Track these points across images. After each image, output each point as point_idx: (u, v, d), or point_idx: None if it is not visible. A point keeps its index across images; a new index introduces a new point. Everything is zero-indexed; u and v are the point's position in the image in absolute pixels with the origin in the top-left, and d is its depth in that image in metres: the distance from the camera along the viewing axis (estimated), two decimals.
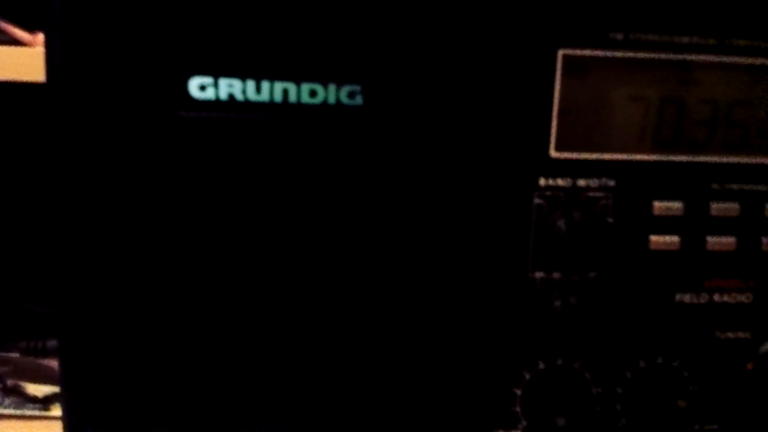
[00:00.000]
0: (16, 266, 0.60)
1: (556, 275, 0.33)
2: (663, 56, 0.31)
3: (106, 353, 0.31)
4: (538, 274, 0.33)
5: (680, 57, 0.31)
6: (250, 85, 0.29)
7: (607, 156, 0.32)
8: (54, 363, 0.48)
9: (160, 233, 0.30)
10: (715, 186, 0.33)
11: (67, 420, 0.31)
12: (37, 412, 0.48)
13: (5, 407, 0.47)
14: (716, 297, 0.34)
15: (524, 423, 0.34)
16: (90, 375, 0.31)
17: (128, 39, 0.28)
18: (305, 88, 0.29)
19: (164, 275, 0.30)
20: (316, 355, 0.32)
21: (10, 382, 0.50)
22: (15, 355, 0.51)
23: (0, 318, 0.56)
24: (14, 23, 0.50)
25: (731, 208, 0.33)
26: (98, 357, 0.31)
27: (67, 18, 0.28)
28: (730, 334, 0.34)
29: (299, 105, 0.30)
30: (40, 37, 0.47)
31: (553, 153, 0.31)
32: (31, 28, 0.50)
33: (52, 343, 0.46)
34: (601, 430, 0.34)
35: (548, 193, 0.32)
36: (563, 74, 0.31)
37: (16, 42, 0.49)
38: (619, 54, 0.31)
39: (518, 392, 0.33)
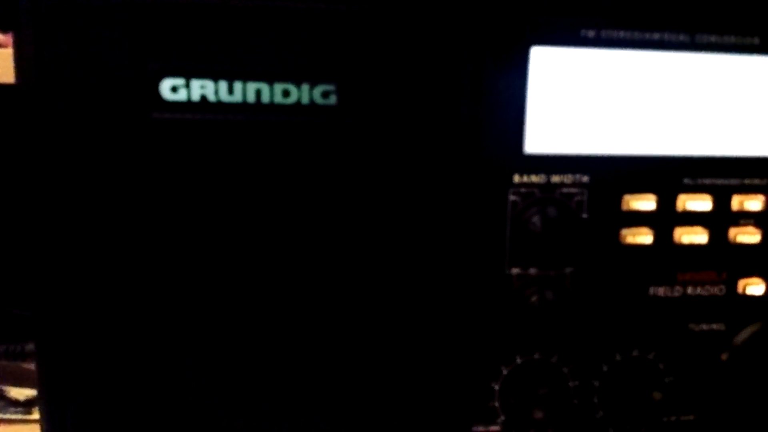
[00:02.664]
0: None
1: (532, 271, 0.33)
2: (635, 52, 0.31)
3: (83, 358, 0.31)
4: (515, 270, 0.33)
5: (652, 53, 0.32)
6: (223, 85, 0.29)
7: (580, 152, 0.32)
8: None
9: (135, 235, 0.30)
10: (687, 180, 0.33)
11: (47, 426, 0.31)
12: (18, 416, 0.48)
13: None
14: (689, 290, 0.34)
15: (503, 417, 0.34)
16: (68, 381, 0.31)
17: (99, 40, 0.28)
18: (278, 88, 0.29)
19: (140, 277, 0.30)
20: (296, 355, 0.32)
21: None
22: None
23: None
24: None
25: (703, 202, 0.33)
26: (76, 362, 0.31)
27: (37, 18, 0.28)
28: (704, 326, 0.35)
29: (272, 105, 0.29)
30: None
31: (527, 150, 0.32)
32: (4, 29, 0.49)
33: (30, 347, 0.46)
34: (578, 423, 0.35)
35: (523, 189, 0.32)
36: (536, 71, 0.31)
37: None
38: (591, 51, 0.31)
39: (496, 387, 0.34)
